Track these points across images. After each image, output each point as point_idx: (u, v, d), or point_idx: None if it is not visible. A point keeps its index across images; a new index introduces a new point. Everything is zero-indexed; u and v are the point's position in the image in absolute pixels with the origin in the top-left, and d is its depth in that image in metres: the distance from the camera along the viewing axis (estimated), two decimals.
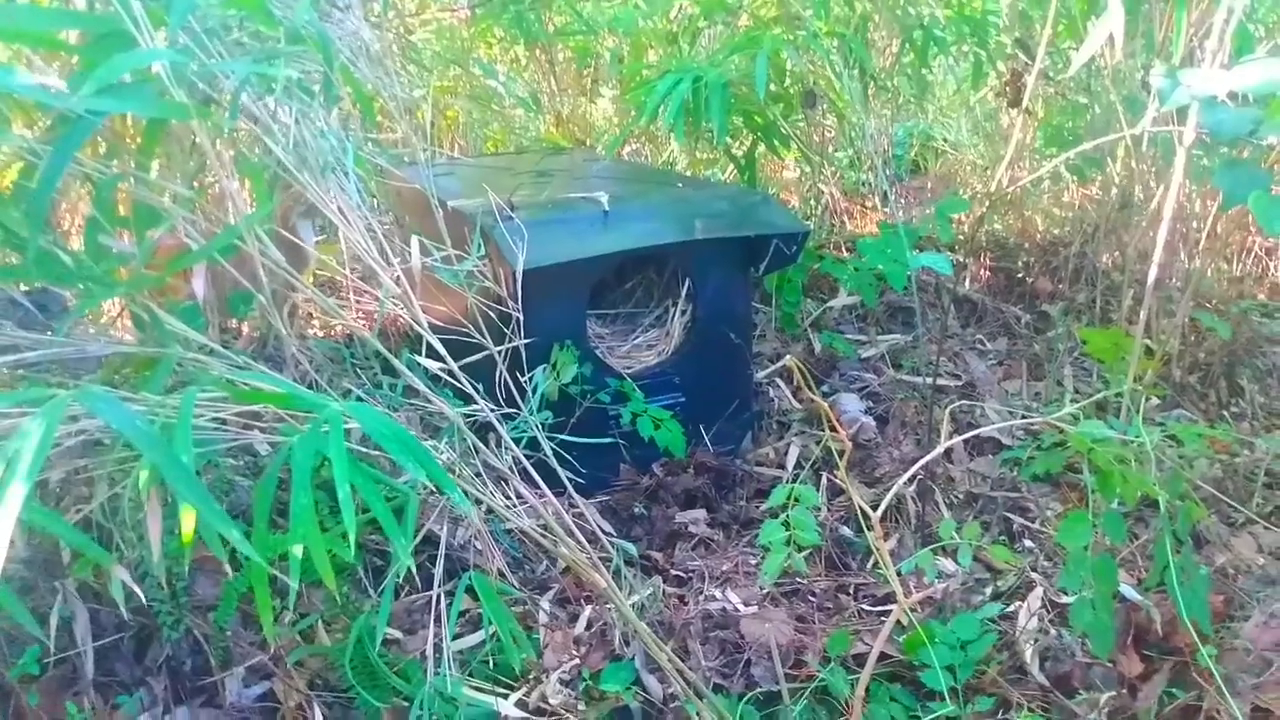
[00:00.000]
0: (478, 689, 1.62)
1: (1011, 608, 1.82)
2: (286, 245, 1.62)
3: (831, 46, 2.82)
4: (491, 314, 1.87)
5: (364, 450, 1.31)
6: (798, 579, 1.94)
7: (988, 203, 3.26)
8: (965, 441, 2.37)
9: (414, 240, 1.60)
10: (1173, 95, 1.54)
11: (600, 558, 1.76)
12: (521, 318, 1.91)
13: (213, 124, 1.32)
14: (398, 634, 1.78)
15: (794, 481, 2.23)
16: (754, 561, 2.02)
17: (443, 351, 1.53)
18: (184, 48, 1.25)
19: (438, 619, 1.48)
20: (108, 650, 1.64)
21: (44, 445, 0.85)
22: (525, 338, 1.93)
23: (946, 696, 1.52)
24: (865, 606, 1.89)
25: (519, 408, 1.85)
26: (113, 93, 1.13)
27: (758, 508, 2.19)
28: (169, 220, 1.34)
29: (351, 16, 1.69)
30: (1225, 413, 2.57)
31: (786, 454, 2.42)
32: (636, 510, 2.20)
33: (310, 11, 1.44)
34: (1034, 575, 1.91)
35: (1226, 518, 2.05)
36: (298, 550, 1.03)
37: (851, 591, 1.94)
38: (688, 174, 3.60)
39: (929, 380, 2.53)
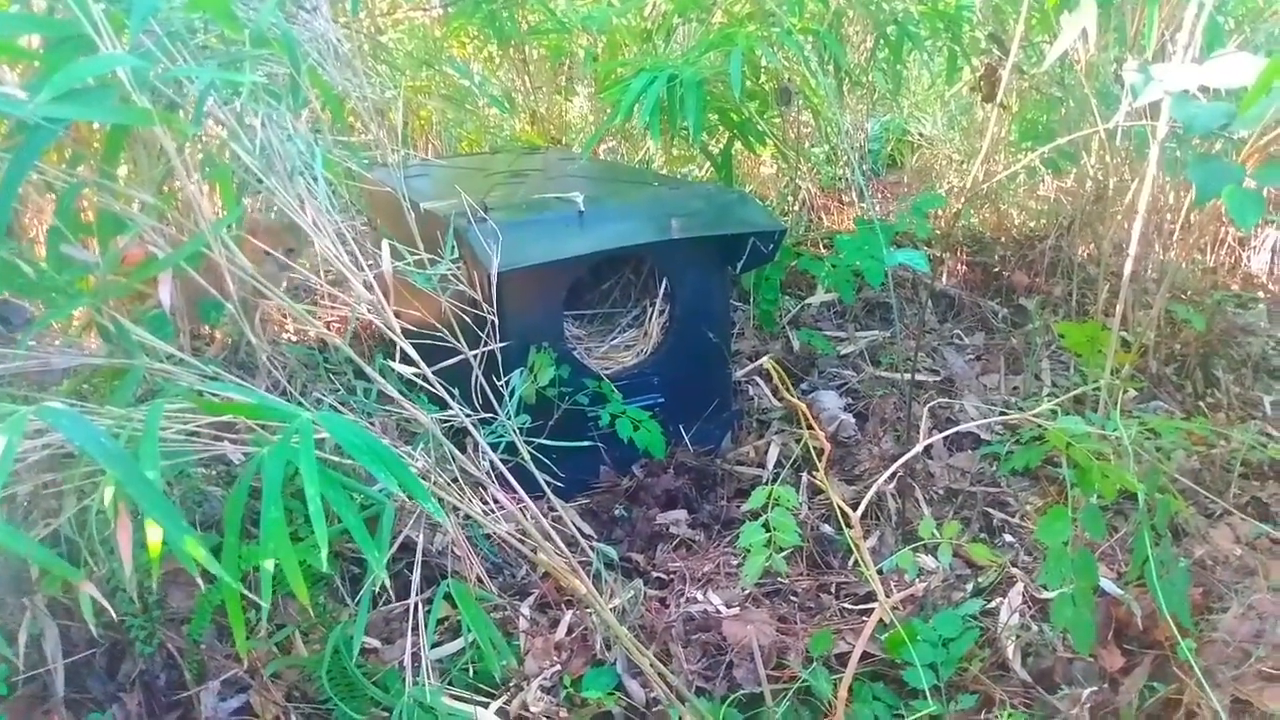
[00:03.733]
0: (458, 698, 1.60)
1: (993, 604, 1.82)
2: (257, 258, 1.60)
3: (806, 43, 2.81)
4: (467, 317, 1.86)
5: (338, 459, 1.29)
6: (779, 579, 1.93)
7: (964, 198, 3.26)
8: (944, 437, 2.37)
9: (385, 244, 1.58)
10: (1145, 90, 1.54)
11: (580, 562, 1.75)
12: (497, 320, 1.89)
13: (177, 130, 1.30)
14: (376, 643, 1.76)
15: (774, 480, 2.24)
16: (735, 562, 2.01)
17: (415, 357, 1.51)
18: (146, 52, 1.23)
19: (416, 627, 1.47)
20: (79, 667, 1.61)
21: (4, 464, 0.83)
22: (501, 340, 1.92)
23: (929, 695, 1.52)
24: (847, 605, 1.89)
25: (496, 411, 1.83)
26: (73, 99, 1.11)
27: (738, 507, 2.18)
28: (134, 228, 1.32)
29: (319, 18, 1.67)
30: (1201, 404, 2.59)
31: (767, 453, 2.42)
32: (617, 512, 2.18)
33: (276, 13, 1.42)
34: (1015, 571, 1.91)
35: (1204, 509, 2.06)
36: (269, 565, 1.01)
37: (833, 590, 1.94)
38: (664, 172, 3.60)
39: (907, 376, 2.53)
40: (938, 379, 2.78)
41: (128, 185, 1.43)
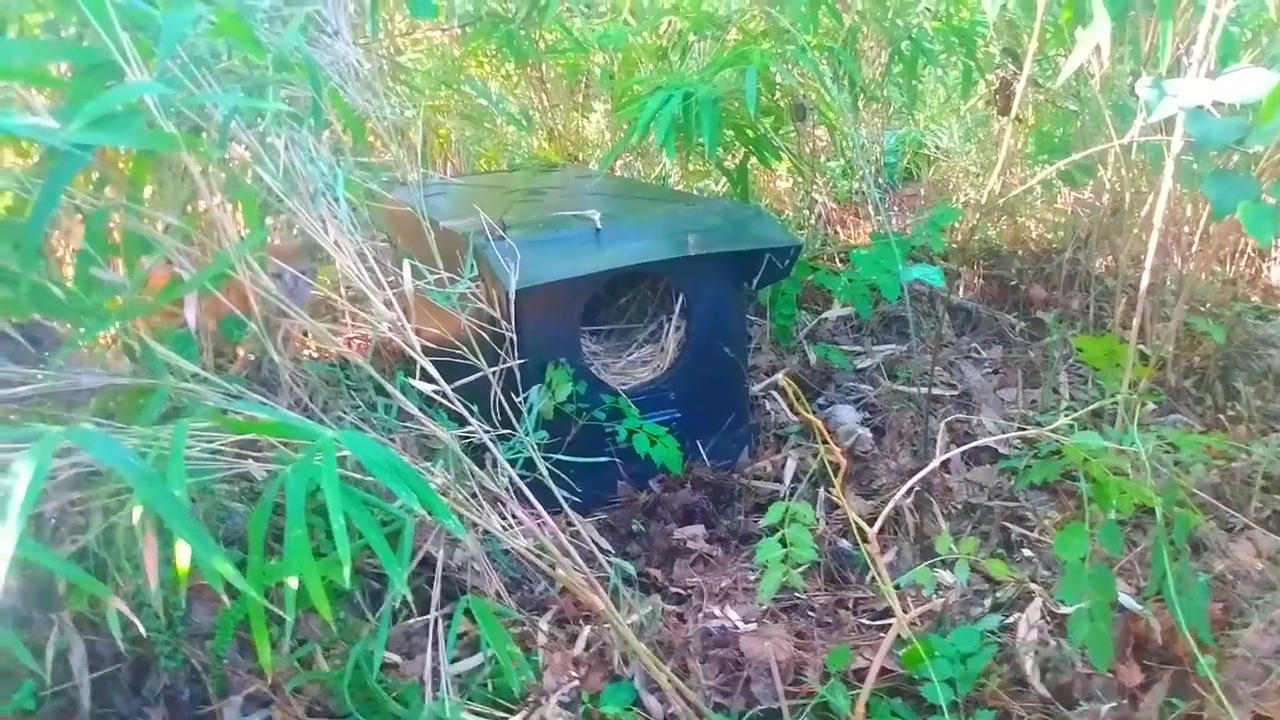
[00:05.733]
0: (477, 713, 1.61)
1: (1011, 619, 1.82)
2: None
3: (820, 59, 2.83)
4: (485, 334, 1.87)
5: (359, 476, 1.31)
6: (796, 594, 1.94)
7: (981, 212, 3.26)
8: (962, 452, 2.37)
9: (405, 264, 1.61)
10: (1159, 106, 1.55)
11: (598, 577, 1.76)
12: (515, 337, 1.91)
13: (202, 154, 1.32)
14: (396, 658, 1.77)
15: (792, 495, 2.24)
16: (753, 577, 2.01)
17: (435, 374, 1.53)
18: (172, 78, 1.25)
19: (436, 643, 1.48)
20: (105, 682, 1.63)
21: (35, 485, 0.85)
22: (519, 357, 1.93)
23: (947, 711, 1.52)
24: (864, 621, 1.89)
25: (514, 428, 1.85)
26: (102, 125, 1.13)
27: (756, 522, 2.19)
28: (160, 249, 1.34)
29: (340, 41, 1.70)
30: (1221, 416, 2.57)
31: (784, 467, 2.42)
32: (634, 527, 2.19)
33: (298, 38, 1.45)
34: (1033, 586, 1.91)
35: (1224, 523, 2.05)
36: (293, 582, 1.03)
37: (850, 606, 1.94)
38: (680, 187, 3.61)
39: (924, 390, 2.53)
40: (955, 393, 2.78)
41: (153, 207, 1.45)
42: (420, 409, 1.53)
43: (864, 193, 3.80)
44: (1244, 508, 2.09)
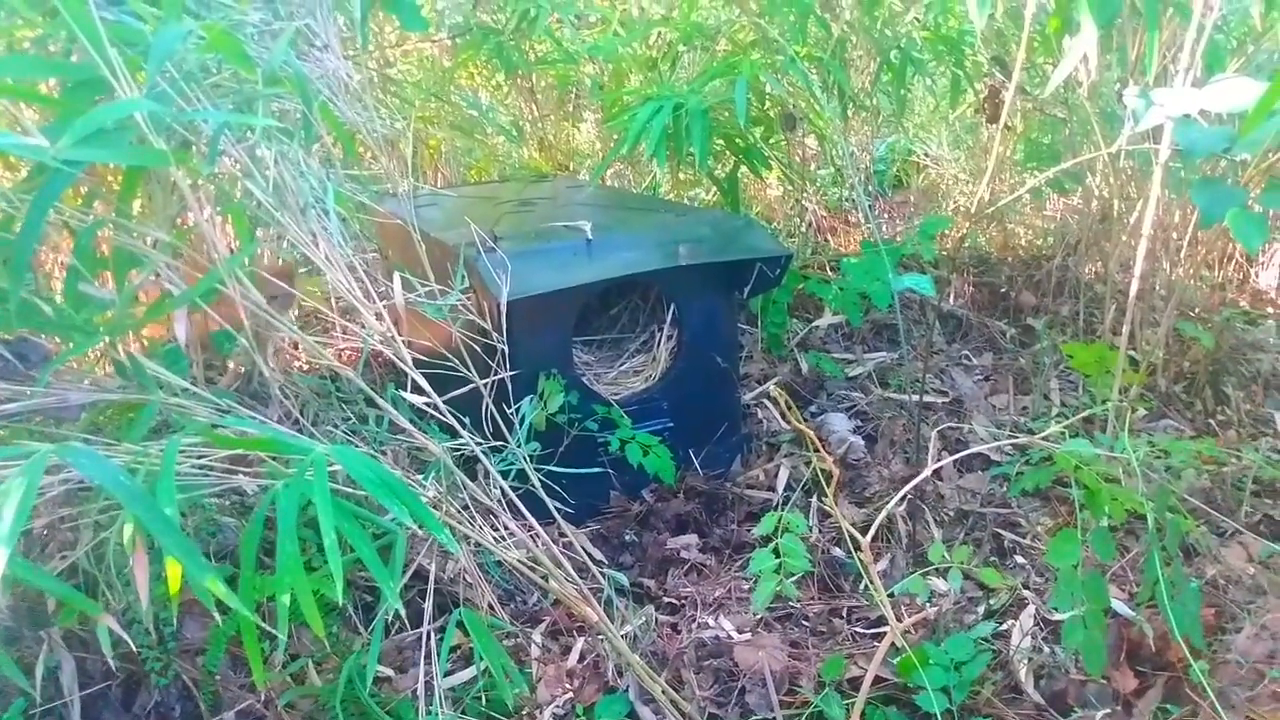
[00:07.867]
0: None
1: (1004, 626, 1.82)
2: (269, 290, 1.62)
3: (809, 69, 2.84)
4: (476, 346, 1.87)
5: (350, 489, 1.30)
6: (790, 604, 1.93)
7: (971, 220, 3.28)
8: (954, 459, 2.37)
9: (396, 276, 1.60)
10: (1146, 115, 1.56)
11: (591, 588, 1.75)
12: (506, 349, 1.91)
13: (191, 168, 1.32)
14: (389, 672, 1.76)
15: (785, 503, 2.24)
16: (746, 586, 2.01)
17: (426, 387, 1.52)
18: (161, 93, 1.25)
19: (429, 656, 1.47)
20: (95, 699, 1.62)
21: (25, 505, 0.84)
22: (511, 368, 1.93)
23: (942, 719, 1.52)
24: (858, 629, 1.89)
25: (506, 439, 1.85)
26: (91, 142, 1.13)
27: (749, 531, 2.19)
28: (150, 265, 1.34)
29: (330, 55, 1.70)
30: (1211, 421, 2.58)
31: (777, 476, 2.42)
32: (627, 537, 2.19)
33: (288, 52, 1.45)
34: (1026, 593, 1.91)
35: (1216, 528, 2.06)
36: (285, 598, 1.02)
37: (844, 614, 1.94)
38: (670, 196, 3.62)
39: (916, 398, 2.54)
40: (946, 400, 2.78)
41: (142, 221, 1.45)
42: (411, 421, 1.53)
43: (854, 201, 3.81)
44: (1235, 513, 2.10)
